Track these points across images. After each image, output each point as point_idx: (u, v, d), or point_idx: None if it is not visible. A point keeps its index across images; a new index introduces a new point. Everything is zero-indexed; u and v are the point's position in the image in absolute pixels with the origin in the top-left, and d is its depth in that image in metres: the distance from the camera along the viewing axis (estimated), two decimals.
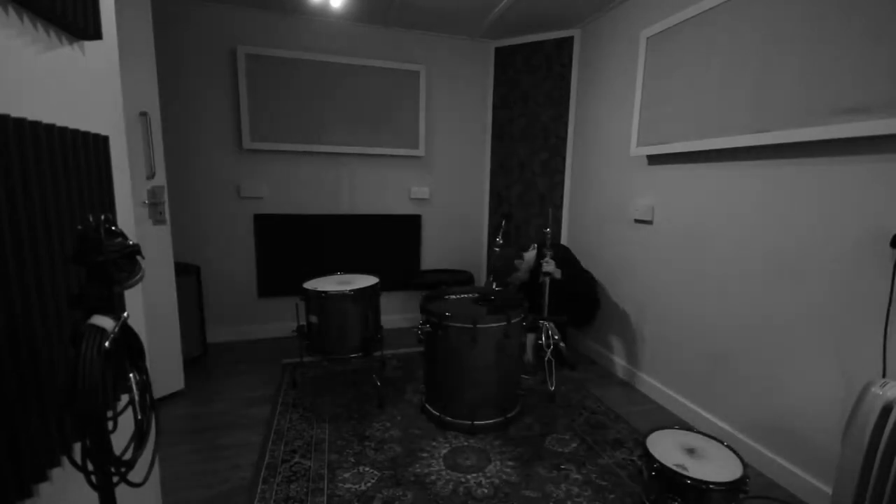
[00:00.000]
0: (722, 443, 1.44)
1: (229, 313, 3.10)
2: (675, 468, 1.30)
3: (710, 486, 1.24)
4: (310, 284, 2.25)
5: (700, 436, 1.49)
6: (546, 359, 2.37)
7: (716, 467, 1.32)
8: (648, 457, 1.37)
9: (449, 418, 2.03)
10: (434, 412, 2.08)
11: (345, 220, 3.22)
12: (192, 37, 2.78)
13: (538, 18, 2.89)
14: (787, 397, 1.70)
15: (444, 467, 1.77)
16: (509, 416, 2.08)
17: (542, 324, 2.45)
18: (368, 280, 2.35)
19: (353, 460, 1.79)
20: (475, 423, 2.00)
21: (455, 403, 2.02)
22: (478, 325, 1.92)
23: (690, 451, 1.40)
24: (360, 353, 2.22)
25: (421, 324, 2.07)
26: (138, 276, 0.79)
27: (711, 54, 1.93)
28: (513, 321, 1.99)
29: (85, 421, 0.68)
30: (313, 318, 2.18)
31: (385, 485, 1.65)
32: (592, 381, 2.60)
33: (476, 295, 2.33)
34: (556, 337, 2.47)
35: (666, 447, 1.41)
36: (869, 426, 1.13)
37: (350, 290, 2.15)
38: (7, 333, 0.71)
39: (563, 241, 3.24)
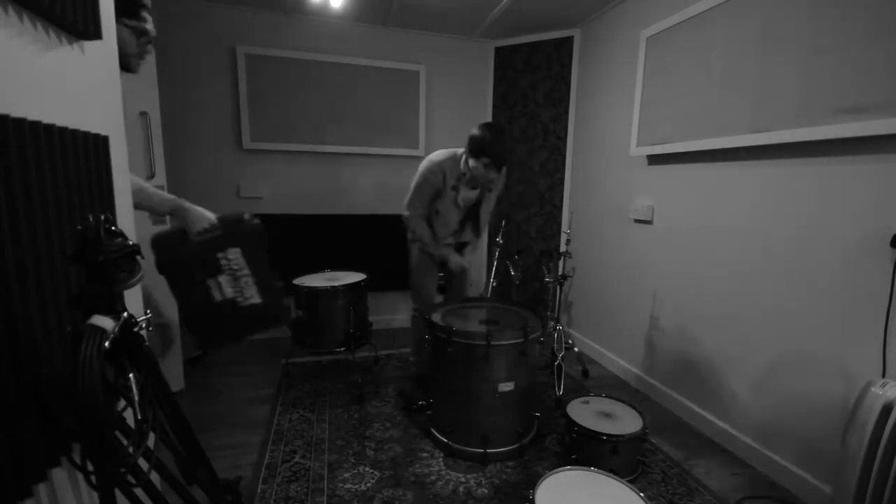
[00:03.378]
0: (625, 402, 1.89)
1: None
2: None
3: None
4: (298, 281, 2.41)
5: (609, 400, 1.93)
6: (556, 363, 2.37)
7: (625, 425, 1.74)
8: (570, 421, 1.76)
9: (458, 446, 1.84)
10: (441, 438, 1.90)
11: (345, 220, 3.21)
12: (192, 37, 2.78)
13: (538, 18, 2.89)
14: (787, 397, 1.70)
15: (443, 467, 1.77)
16: (525, 441, 1.88)
17: (554, 324, 2.45)
18: (355, 277, 2.45)
19: (353, 460, 1.79)
20: (488, 451, 1.81)
21: (463, 430, 1.83)
22: (491, 343, 1.73)
23: (607, 416, 1.81)
24: (344, 348, 2.35)
25: (427, 337, 1.93)
26: (138, 276, 0.79)
27: (711, 54, 1.93)
28: (530, 337, 1.80)
29: (84, 421, 0.68)
30: (299, 313, 2.34)
31: (385, 485, 1.65)
32: (592, 381, 2.60)
33: (485, 308, 2.16)
34: (570, 341, 2.48)
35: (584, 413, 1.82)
36: (869, 426, 1.13)
37: (331, 286, 2.28)
38: (7, 333, 0.71)
39: (563, 241, 3.23)
